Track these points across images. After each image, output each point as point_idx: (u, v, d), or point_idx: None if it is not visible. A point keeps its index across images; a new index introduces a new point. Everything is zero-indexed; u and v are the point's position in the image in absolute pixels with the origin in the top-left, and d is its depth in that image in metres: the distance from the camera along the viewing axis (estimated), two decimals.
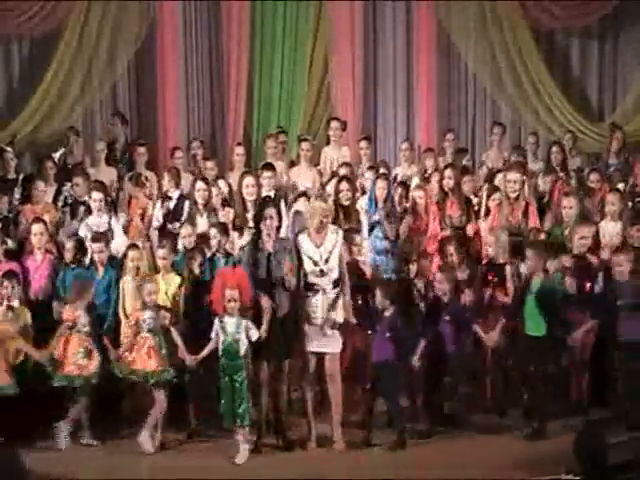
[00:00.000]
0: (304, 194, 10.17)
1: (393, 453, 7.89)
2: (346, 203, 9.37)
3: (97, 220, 9.40)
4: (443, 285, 8.32)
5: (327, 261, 7.95)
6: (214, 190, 9.72)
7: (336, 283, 7.98)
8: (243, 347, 7.84)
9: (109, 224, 9.38)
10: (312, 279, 7.97)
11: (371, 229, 9.33)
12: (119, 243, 9.24)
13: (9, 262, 8.73)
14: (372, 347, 8.11)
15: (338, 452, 7.97)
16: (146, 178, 10.60)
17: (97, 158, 11.22)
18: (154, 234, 9.84)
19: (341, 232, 8.21)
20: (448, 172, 9.82)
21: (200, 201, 9.51)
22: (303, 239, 8.04)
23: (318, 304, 7.92)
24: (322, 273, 7.94)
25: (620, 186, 10.16)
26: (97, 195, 9.51)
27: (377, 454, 7.94)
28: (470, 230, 9.58)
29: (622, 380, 8.21)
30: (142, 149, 11.27)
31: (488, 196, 9.68)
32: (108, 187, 10.21)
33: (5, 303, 8.20)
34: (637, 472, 6.52)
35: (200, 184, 9.60)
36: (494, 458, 7.80)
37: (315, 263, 7.94)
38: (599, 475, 6.41)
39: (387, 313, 8.08)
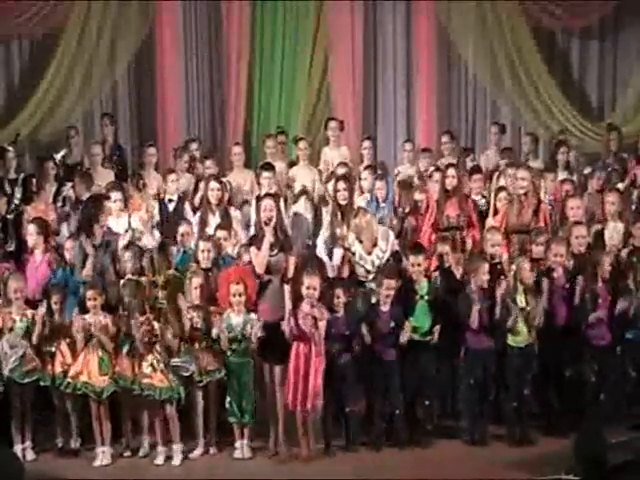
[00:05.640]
0: (304, 192, 10.14)
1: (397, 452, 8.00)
2: (343, 203, 9.35)
3: (116, 220, 9.21)
4: (389, 291, 8.05)
5: (378, 267, 8.43)
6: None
7: None
8: (251, 345, 7.88)
9: (129, 223, 9.22)
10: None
11: None
12: (149, 240, 9.17)
13: (7, 263, 8.73)
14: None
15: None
16: (144, 185, 10.45)
17: (93, 161, 11.10)
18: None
19: (392, 234, 8.74)
20: (451, 171, 9.61)
21: (213, 201, 9.50)
22: (356, 248, 8.52)
23: None
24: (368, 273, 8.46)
25: (620, 186, 10.14)
26: (116, 195, 9.33)
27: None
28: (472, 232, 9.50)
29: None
30: (152, 150, 11.07)
31: (495, 195, 9.64)
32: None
33: None
34: (637, 472, 6.52)
35: (214, 184, 9.57)
36: (494, 458, 7.82)
37: (367, 271, 8.44)
38: (599, 475, 6.40)
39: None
